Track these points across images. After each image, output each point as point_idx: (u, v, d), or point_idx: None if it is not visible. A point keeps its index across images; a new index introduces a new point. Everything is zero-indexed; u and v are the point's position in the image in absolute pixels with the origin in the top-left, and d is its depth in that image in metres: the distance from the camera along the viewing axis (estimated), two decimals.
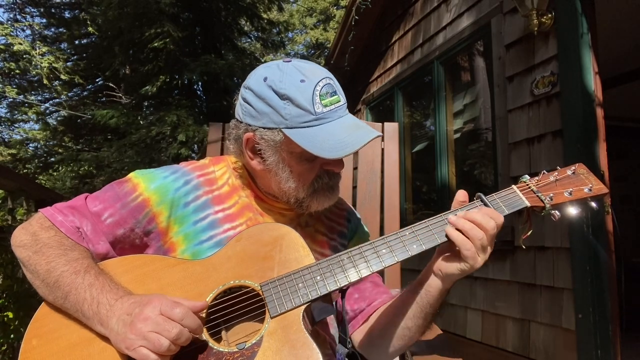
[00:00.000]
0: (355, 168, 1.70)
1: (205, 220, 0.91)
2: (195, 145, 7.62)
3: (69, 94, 11.85)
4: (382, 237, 0.84)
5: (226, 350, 0.75)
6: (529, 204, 0.86)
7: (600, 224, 2.21)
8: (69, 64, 11.04)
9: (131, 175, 0.94)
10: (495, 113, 2.89)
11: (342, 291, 0.85)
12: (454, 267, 0.81)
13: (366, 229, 1.15)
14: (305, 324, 0.77)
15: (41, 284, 0.80)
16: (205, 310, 0.78)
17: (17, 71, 11.08)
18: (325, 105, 0.85)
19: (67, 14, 11.52)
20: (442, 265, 0.83)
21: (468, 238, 0.79)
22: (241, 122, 0.91)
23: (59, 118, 12.14)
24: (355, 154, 1.58)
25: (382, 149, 1.71)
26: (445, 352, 1.12)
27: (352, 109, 5.06)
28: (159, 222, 0.90)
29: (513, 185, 0.89)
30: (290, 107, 0.84)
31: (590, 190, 0.87)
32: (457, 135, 3.49)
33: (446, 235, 0.81)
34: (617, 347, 2.18)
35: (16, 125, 13.31)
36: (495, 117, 2.89)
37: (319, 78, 0.86)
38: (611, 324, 2.18)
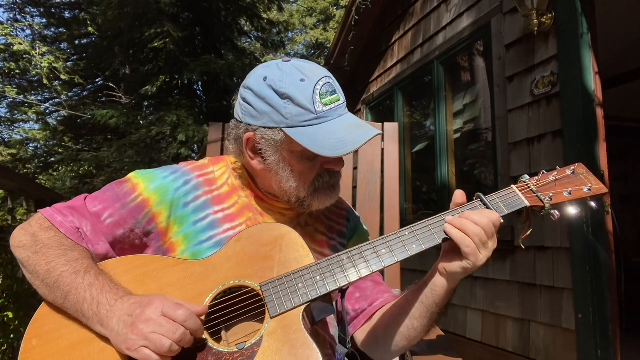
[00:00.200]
0: (355, 168, 1.70)
1: (205, 221, 0.91)
2: (195, 145, 7.62)
3: (69, 94, 11.85)
4: (382, 237, 0.84)
5: (226, 350, 0.75)
6: (528, 204, 0.86)
7: (600, 224, 2.21)
8: (69, 64, 11.05)
9: (131, 175, 0.94)
10: (495, 113, 2.89)
11: (342, 291, 0.85)
12: (456, 266, 0.81)
13: (365, 228, 1.15)
14: (305, 324, 0.77)
15: (41, 285, 0.80)
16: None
17: (17, 71, 11.08)
18: (326, 104, 0.85)
19: (67, 14, 11.53)
20: (446, 264, 0.83)
21: (466, 234, 0.79)
22: (241, 122, 0.91)
23: (59, 118, 12.15)
24: (355, 153, 1.58)
25: (382, 149, 1.71)
26: (448, 352, 1.12)
27: (352, 109, 5.06)
28: (159, 222, 0.90)
29: (512, 185, 0.89)
30: (290, 106, 0.84)
31: (589, 190, 0.87)
32: (457, 135, 3.49)
33: (445, 233, 0.82)
34: (617, 347, 2.18)
35: (16, 125, 13.33)
36: (495, 117, 2.89)
37: (319, 77, 0.86)
38: (611, 324, 2.18)
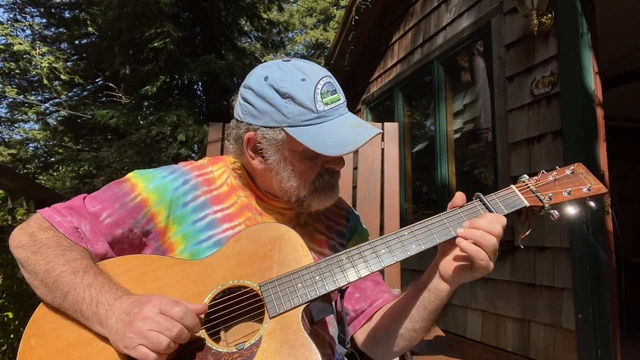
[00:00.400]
0: (355, 168, 1.70)
1: (204, 220, 0.91)
2: (195, 145, 7.62)
3: (69, 94, 11.86)
4: (381, 237, 0.84)
5: (225, 350, 0.75)
6: (527, 204, 0.85)
7: (600, 224, 2.21)
8: (69, 64, 11.05)
9: (129, 175, 0.94)
10: (495, 113, 2.89)
11: (341, 291, 0.85)
12: (468, 276, 0.81)
13: (365, 227, 1.15)
14: (304, 324, 0.77)
15: (40, 284, 0.80)
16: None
17: (17, 71, 11.09)
18: (327, 104, 0.86)
19: (67, 14, 11.54)
20: (454, 275, 0.82)
21: (481, 247, 0.77)
22: (241, 122, 0.91)
23: (59, 118, 12.15)
24: (355, 153, 1.58)
25: (382, 149, 1.71)
26: (448, 352, 1.12)
27: (352, 108, 5.06)
28: (158, 222, 0.90)
29: (512, 185, 0.89)
30: (292, 105, 0.84)
31: (589, 189, 0.87)
32: (457, 135, 3.49)
33: (460, 248, 0.79)
34: (617, 347, 2.18)
35: (16, 125, 13.33)
36: (495, 117, 2.89)
37: (320, 77, 0.87)
38: (611, 324, 2.18)
